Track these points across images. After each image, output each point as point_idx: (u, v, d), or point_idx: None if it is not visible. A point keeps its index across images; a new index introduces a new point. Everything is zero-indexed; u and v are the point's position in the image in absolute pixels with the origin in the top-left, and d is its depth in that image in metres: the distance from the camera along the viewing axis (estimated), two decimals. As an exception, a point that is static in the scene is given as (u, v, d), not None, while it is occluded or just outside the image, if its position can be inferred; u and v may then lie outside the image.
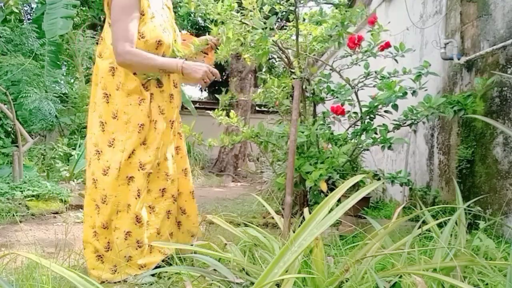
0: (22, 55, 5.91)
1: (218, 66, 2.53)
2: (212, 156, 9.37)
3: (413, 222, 2.31)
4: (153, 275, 1.88)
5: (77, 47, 7.09)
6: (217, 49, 2.32)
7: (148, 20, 1.94)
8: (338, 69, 2.72)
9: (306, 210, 2.18)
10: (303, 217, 2.22)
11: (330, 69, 2.79)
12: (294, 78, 2.40)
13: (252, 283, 1.47)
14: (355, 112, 2.75)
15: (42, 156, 5.67)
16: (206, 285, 1.56)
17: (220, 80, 2.36)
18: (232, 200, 4.98)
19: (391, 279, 1.44)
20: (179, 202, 2.18)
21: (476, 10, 2.50)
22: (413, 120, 2.50)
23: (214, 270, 1.63)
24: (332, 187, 2.38)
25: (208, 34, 2.40)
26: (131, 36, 1.87)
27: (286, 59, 2.81)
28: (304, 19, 2.76)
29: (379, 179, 2.56)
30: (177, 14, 8.28)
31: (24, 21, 7.19)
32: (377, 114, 2.64)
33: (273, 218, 2.30)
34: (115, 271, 1.93)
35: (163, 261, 2.04)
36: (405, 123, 2.54)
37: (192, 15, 10.27)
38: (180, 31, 2.28)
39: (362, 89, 2.73)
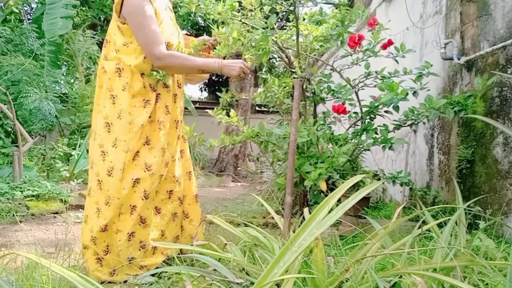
0: (22, 55, 5.92)
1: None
2: (212, 156, 9.36)
3: (413, 222, 2.31)
4: (153, 275, 1.88)
5: (77, 47, 7.09)
6: (215, 48, 2.32)
7: (159, 24, 1.97)
8: (339, 69, 2.72)
9: (306, 210, 2.18)
10: (303, 217, 2.22)
11: (331, 69, 2.79)
12: (294, 78, 2.40)
13: (252, 283, 1.47)
14: (355, 112, 2.75)
15: (42, 156, 5.67)
16: (206, 285, 1.56)
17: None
18: (232, 200, 4.98)
19: (391, 279, 1.44)
20: (183, 205, 2.18)
21: (476, 10, 2.50)
22: (413, 121, 2.50)
23: (214, 270, 1.63)
24: (332, 187, 2.38)
25: (209, 34, 2.41)
26: (161, 39, 1.92)
27: (286, 59, 2.81)
28: (304, 19, 2.76)
29: (379, 179, 2.56)
30: (177, 14, 8.29)
31: (24, 21, 7.19)
32: (378, 114, 2.64)
33: (273, 218, 2.30)
34: (114, 273, 1.93)
35: (163, 261, 2.04)
36: (405, 123, 2.54)
37: (192, 15, 10.28)
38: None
39: (362, 89, 2.73)
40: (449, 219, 1.79)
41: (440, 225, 1.87)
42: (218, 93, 2.65)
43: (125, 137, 1.92)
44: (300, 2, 2.61)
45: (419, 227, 1.75)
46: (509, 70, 2.16)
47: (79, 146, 5.63)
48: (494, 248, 1.77)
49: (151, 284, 1.81)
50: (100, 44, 9.37)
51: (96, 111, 2.02)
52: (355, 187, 2.24)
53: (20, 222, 3.40)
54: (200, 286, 1.58)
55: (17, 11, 6.06)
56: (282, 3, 2.54)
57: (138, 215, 1.94)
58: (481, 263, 1.39)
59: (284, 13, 2.64)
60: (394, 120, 2.57)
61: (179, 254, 2.00)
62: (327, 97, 2.87)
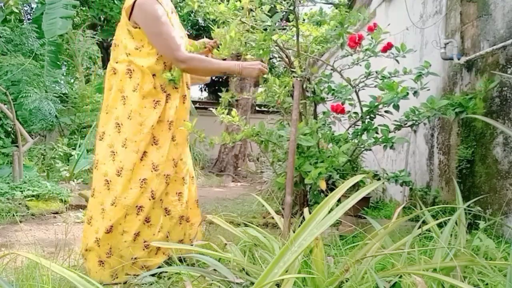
0: (22, 55, 5.92)
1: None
2: (212, 156, 9.36)
3: (413, 222, 2.31)
4: (153, 275, 1.88)
5: (77, 47, 7.09)
6: (218, 48, 2.33)
7: None
8: (339, 69, 2.72)
9: (306, 210, 2.18)
10: (303, 217, 2.22)
11: (331, 69, 2.79)
12: (294, 77, 2.41)
13: (252, 283, 1.47)
14: (355, 112, 2.75)
15: (42, 156, 5.67)
16: (206, 285, 1.56)
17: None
18: (232, 200, 4.98)
19: (391, 279, 1.44)
20: (186, 210, 2.19)
21: (476, 10, 2.50)
22: (414, 121, 2.50)
23: (214, 270, 1.63)
24: (332, 187, 2.38)
25: (209, 35, 2.41)
26: (180, 42, 1.97)
27: (286, 59, 2.82)
28: (304, 20, 2.76)
29: (379, 179, 2.56)
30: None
31: (24, 21, 7.19)
32: (378, 114, 2.64)
33: (273, 218, 2.30)
34: (116, 276, 1.93)
35: (163, 261, 2.05)
36: (406, 123, 2.54)
37: (192, 15, 10.27)
38: None
39: (363, 89, 2.73)
40: (449, 219, 1.79)
41: (440, 225, 1.87)
42: (219, 93, 2.65)
43: (135, 137, 1.93)
44: (300, 1, 2.61)
45: (419, 227, 1.75)
46: (509, 70, 2.16)
47: (79, 146, 5.63)
48: (494, 248, 1.77)
49: (151, 284, 1.81)
50: (100, 44, 9.38)
51: (105, 112, 2.02)
52: (355, 187, 2.24)
53: (20, 222, 3.40)
54: (200, 286, 1.58)
55: (17, 11, 6.06)
56: (281, 2, 2.54)
57: (144, 215, 1.95)
58: (481, 263, 1.39)
59: (284, 13, 2.64)
60: (395, 121, 2.57)
61: (180, 255, 2.00)
62: (327, 97, 2.88)
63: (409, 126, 2.55)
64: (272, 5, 2.55)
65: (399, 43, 2.65)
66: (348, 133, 2.70)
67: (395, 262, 1.58)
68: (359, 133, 2.62)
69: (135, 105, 1.94)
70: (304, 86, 2.77)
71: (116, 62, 2.01)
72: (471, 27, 2.55)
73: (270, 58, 2.96)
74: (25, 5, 8.04)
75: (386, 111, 2.61)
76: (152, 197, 1.95)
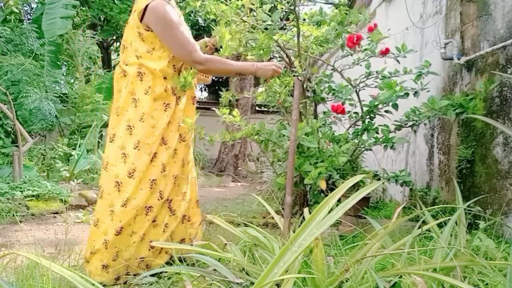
0: (22, 55, 5.92)
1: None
2: (212, 156, 9.36)
3: (413, 222, 2.31)
4: (153, 275, 1.88)
5: (77, 47, 7.09)
6: (217, 50, 2.34)
7: None
8: (340, 69, 2.73)
9: (306, 210, 2.18)
10: (303, 217, 2.22)
11: (332, 69, 2.79)
12: (295, 75, 2.41)
13: (252, 283, 1.47)
14: (355, 112, 2.75)
15: (42, 156, 5.67)
16: (206, 285, 1.56)
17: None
18: (232, 200, 4.98)
19: (391, 279, 1.44)
20: (188, 210, 2.20)
21: (476, 10, 2.50)
22: (415, 121, 2.50)
23: (214, 270, 1.63)
24: (332, 187, 2.38)
25: (209, 35, 2.42)
26: (195, 45, 2.00)
27: (287, 59, 2.82)
28: (304, 19, 2.76)
29: (379, 179, 2.56)
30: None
31: (24, 21, 7.19)
32: (378, 114, 2.64)
33: (273, 218, 2.30)
34: (118, 278, 1.93)
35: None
36: (406, 124, 2.54)
37: (192, 15, 10.27)
38: None
39: (363, 89, 2.73)
40: (449, 219, 1.79)
41: (440, 225, 1.87)
42: (220, 93, 2.65)
43: (148, 140, 1.95)
44: (300, 1, 2.62)
45: (419, 227, 1.75)
46: (509, 70, 2.16)
47: (79, 146, 5.63)
48: (494, 248, 1.77)
49: (151, 284, 1.81)
50: (100, 44, 9.39)
51: (116, 114, 2.02)
52: (355, 187, 2.25)
53: (20, 222, 3.40)
54: (200, 286, 1.58)
55: (17, 11, 6.07)
56: (281, 1, 2.54)
57: (153, 216, 1.97)
58: (481, 263, 1.39)
59: (284, 13, 2.64)
60: (395, 121, 2.57)
61: (181, 255, 2.01)
62: (327, 97, 2.88)
63: (409, 126, 2.55)
64: (273, 5, 2.55)
65: (399, 43, 2.65)
66: (349, 133, 2.70)
67: (395, 262, 1.58)
68: (360, 133, 2.62)
69: (147, 108, 1.95)
70: (305, 85, 2.77)
71: (126, 65, 2.01)
72: (471, 27, 2.55)
73: (271, 58, 2.96)
74: (25, 5, 8.04)
75: (386, 111, 2.61)
76: (160, 197, 1.97)
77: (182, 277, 1.76)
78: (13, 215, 3.39)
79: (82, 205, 4.13)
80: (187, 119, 2.10)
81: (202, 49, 2.28)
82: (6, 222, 3.33)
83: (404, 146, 3.41)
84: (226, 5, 2.41)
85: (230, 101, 2.62)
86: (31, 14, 8.56)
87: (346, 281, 1.43)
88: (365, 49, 2.57)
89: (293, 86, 2.29)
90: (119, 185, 1.91)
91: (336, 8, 2.71)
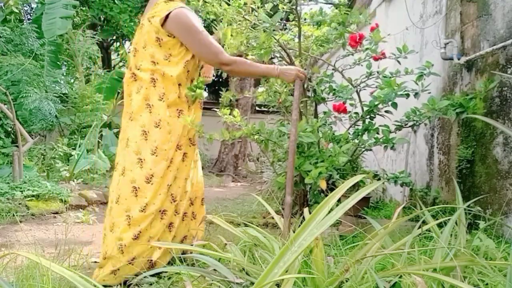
0: (22, 55, 5.91)
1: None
2: (212, 156, 9.37)
3: (413, 222, 2.31)
4: (153, 275, 1.88)
5: (77, 47, 7.08)
6: None
7: None
8: (341, 69, 2.73)
9: (306, 210, 2.18)
10: (303, 217, 2.22)
11: (333, 69, 2.79)
12: None
13: (252, 283, 1.47)
14: (356, 112, 2.75)
15: (42, 156, 5.67)
16: (206, 285, 1.56)
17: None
18: (232, 200, 4.98)
19: (391, 279, 1.44)
20: (193, 207, 2.22)
21: (476, 10, 2.50)
22: (415, 122, 2.50)
23: (214, 270, 1.63)
24: (332, 187, 2.38)
25: (212, 33, 2.42)
26: (220, 47, 2.04)
27: (288, 58, 2.82)
28: (305, 19, 2.76)
29: (379, 179, 2.56)
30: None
31: (24, 21, 7.19)
32: (378, 114, 2.64)
33: (273, 218, 2.30)
34: (124, 284, 1.93)
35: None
36: (407, 124, 2.54)
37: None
38: None
39: (364, 89, 2.73)
40: (449, 219, 1.79)
41: (440, 225, 1.87)
42: (221, 92, 2.66)
43: (165, 146, 1.97)
44: (302, 0, 2.62)
45: (419, 227, 1.75)
46: (509, 70, 2.16)
47: (79, 146, 5.63)
48: (494, 248, 1.77)
49: (151, 284, 1.81)
50: (100, 44, 9.38)
51: (129, 119, 2.02)
52: (355, 187, 2.24)
53: (20, 222, 3.40)
54: (200, 286, 1.58)
55: (17, 11, 6.06)
56: (284, 0, 2.54)
57: (168, 220, 2.00)
58: (481, 263, 1.39)
59: (285, 13, 2.64)
60: (396, 121, 2.57)
61: (182, 253, 2.01)
62: (328, 97, 2.88)
63: (410, 126, 2.55)
64: (275, 4, 2.55)
65: (399, 43, 2.65)
66: (349, 133, 2.70)
67: (395, 262, 1.58)
68: (360, 133, 2.62)
69: (162, 114, 1.97)
70: (305, 85, 2.77)
71: (138, 69, 2.01)
72: (471, 27, 2.55)
73: (271, 58, 2.96)
74: (25, 5, 8.04)
75: (386, 111, 2.61)
76: (173, 200, 2.02)
77: (182, 277, 1.76)
78: (13, 215, 3.39)
79: (82, 205, 4.13)
80: (185, 116, 2.11)
81: None
82: (6, 222, 3.33)
83: (404, 146, 3.41)
84: (228, 4, 2.41)
85: (230, 101, 2.62)
86: (31, 14, 8.56)
87: (346, 281, 1.43)
88: (367, 49, 2.57)
89: (293, 86, 2.30)
90: (136, 190, 1.93)
91: (336, 8, 2.71)
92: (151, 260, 1.95)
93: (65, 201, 3.97)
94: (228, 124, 3.11)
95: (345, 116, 2.77)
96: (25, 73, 5.70)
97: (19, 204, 3.67)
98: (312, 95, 2.87)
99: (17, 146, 4.59)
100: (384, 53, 2.55)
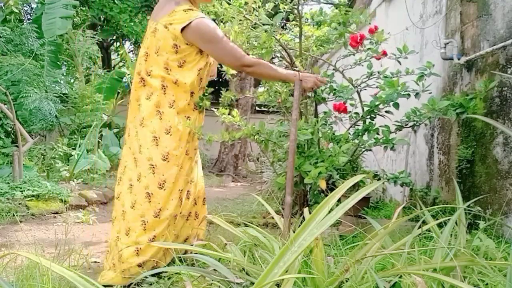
0: (22, 55, 5.91)
1: (219, 66, 2.55)
2: (212, 156, 9.37)
3: (413, 222, 2.31)
4: (153, 275, 1.88)
5: (77, 47, 7.08)
6: None
7: None
8: (341, 69, 2.72)
9: (306, 210, 2.18)
10: (303, 217, 2.22)
11: (333, 69, 2.79)
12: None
13: (252, 283, 1.47)
14: (356, 113, 2.75)
15: (42, 156, 5.67)
16: (206, 285, 1.56)
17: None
18: (232, 200, 4.98)
19: (391, 279, 1.44)
20: (196, 207, 2.24)
21: (476, 10, 2.50)
22: (415, 122, 2.49)
23: (214, 270, 1.63)
24: (332, 187, 2.38)
25: None
26: (241, 50, 2.09)
27: (288, 58, 2.82)
28: (306, 19, 2.76)
29: (379, 179, 2.56)
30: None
31: (24, 21, 7.18)
32: (378, 114, 2.64)
33: (273, 218, 2.30)
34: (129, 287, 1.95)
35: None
36: (407, 124, 2.53)
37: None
38: None
39: (364, 89, 2.73)
40: (449, 219, 1.79)
41: (440, 225, 1.87)
42: (221, 92, 2.65)
43: (176, 152, 2.01)
44: (303, 0, 2.62)
45: (419, 227, 1.75)
46: (509, 70, 2.16)
47: (79, 146, 5.63)
48: (494, 248, 1.77)
49: (151, 284, 1.81)
50: (100, 44, 9.38)
51: (138, 125, 2.02)
52: (355, 187, 2.24)
53: (20, 222, 3.40)
54: (200, 286, 1.58)
55: (17, 11, 6.06)
56: (285, 0, 2.54)
57: (173, 221, 2.04)
58: (481, 263, 1.39)
59: (285, 13, 2.64)
60: (396, 121, 2.57)
61: (184, 253, 2.02)
62: (328, 97, 2.87)
63: (410, 126, 2.55)
64: (276, 3, 2.56)
65: (399, 43, 2.65)
66: (349, 133, 2.70)
67: (395, 262, 1.58)
68: (360, 133, 2.61)
69: (173, 121, 2.00)
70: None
71: (149, 75, 2.01)
72: (471, 27, 2.55)
73: (272, 58, 2.97)
74: (25, 5, 8.04)
75: (387, 111, 2.61)
76: (181, 203, 2.07)
77: (182, 277, 1.76)
78: (13, 215, 3.39)
79: (82, 205, 4.13)
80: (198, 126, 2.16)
81: None
82: (6, 222, 3.33)
83: (404, 146, 3.41)
84: (229, 3, 2.42)
85: (230, 100, 2.62)
86: (31, 14, 8.56)
87: (346, 281, 1.43)
88: (368, 49, 2.57)
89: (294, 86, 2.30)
90: (149, 196, 1.96)
91: (336, 8, 2.71)
92: (155, 260, 1.97)
93: (65, 201, 3.97)
94: (227, 124, 3.11)
95: (345, 116, 2.77)
96: (25, 73, 5.70)
97: (19, 204, 3.67)
98: (312, 95, 2.87)
99: (17, 146, 4.59)
100: (385, 51, 2.54)
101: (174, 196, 2.00)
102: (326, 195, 1.47)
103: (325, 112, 2.88)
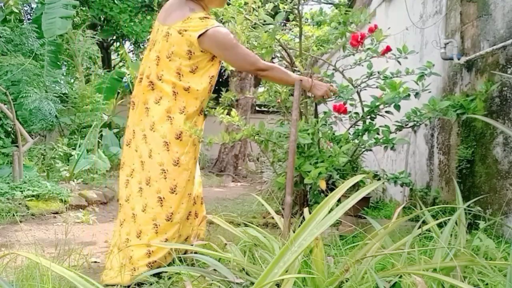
0: (22, 55, 5.91)
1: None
2: (212, 156, 9.37)
3: (413, 222, 2.31)
4: (153, 275, 1.88)
5: (77, 47, 7.09)
6: None
7: None
8: (341, 69, 2.72)
9: (306, 210, 2.18)
10: (303, 217, 2.22)
11: (333, 69, 2.79)
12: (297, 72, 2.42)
13: (252, 283, 1.47)
14: (356, 113, 2.75)
15: (42, 156, 5.67)
16: (206, 285, 1.56)
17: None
18: (232, 200, 4.98)
19: (391, 279, 1.44)
20: (195, 206, 2.26)
21: (476, 10, 2.50)
22: (415, 122, 2.49)
23: (214, 270, 1.62)
24: (332, 187, 2.38)
25: None
26: (255, 55, 2.15)
27: (288, 58, 2.82)
28: (307, 19, 2.76)
29: (379, 179, 2.56)
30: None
31: (24, 21, 7.18)
32: (379, 115, 2.64)
33: (273, 218, 2.30)
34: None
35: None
36: (407, 124, 2.53)
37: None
38: None
39: (364, 89, 2.73)
40: (449, 219, 1.79)
41: (440, 225, 1.87)
42: (222, 92, 2.65)
43: (186, 157, 2.04)
44: (303, 0, 2.62)
45: (419, 227, 1.75)
46: (509, 70, 2.16)
47: (79, 146, 5.63)
48: (494, 248, 1.77)
49: (151, 284, 1.81)
50: (100, 44, 9.39)
51: (144, 128, 2.03)
52: (355, 187, 2.24)
53: (20, 222, 3.40)
54: (200, 286, 1.58)
55: (17, 11, 6.06)
56: (285, 0, 2.54)
57: (179, 225, 2.07)
58: (481, 263, 1.39)
59: (285, 13, 2.64)
60: (396, 121, 2.56)
61: (184, 253, 2.03)
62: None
63: (410, 127, 2.55)
64: (276, 3, 2.56)
65: (399, 43, 2.65)
66: (349, 133, 2.70)
67: (395, 262, 1.58)
68: (360, 134, 2.61)
69: (183, 127, 2.02)
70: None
71: (160, 80, 2.01)
72: (471, 27, 2.55)
73: (273, 58, 2.97)
74: (25, 5, 8.04)
75: (387, 112, 2.61)
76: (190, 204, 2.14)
77: (182, 277, 1.76)
78: (13, 215, 3.39)
79: (82, 205, 4.13)
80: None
81: None
82: (6, 222, 3.33)
83: (404, 146, 3.41)
84: (229, 3, 2.42)
85: (231, 101, 2.62)
86: (31, 14, 8.56)
87: (346, 281, 1.43)
88: (368, 48, 2.57)
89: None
90: (161, 200, 1.98)
91: (336, 8, 2.71)
92: (155, 261, 1.98)
93: (65, 201, 3.97)
94: (226, 125, 3.12)
95: (345, 116, 2.77)
96: (25, 73, 5.70)
97: (19, 204, 3.67)
98: (312, 95, 2.87)
99: (17, 146, 4.59)
100: (389, 47, 2.53)
101: (184, 200, 2.04)
102: (326, 195, 1.47)
103: (325, 112, 2.88)
